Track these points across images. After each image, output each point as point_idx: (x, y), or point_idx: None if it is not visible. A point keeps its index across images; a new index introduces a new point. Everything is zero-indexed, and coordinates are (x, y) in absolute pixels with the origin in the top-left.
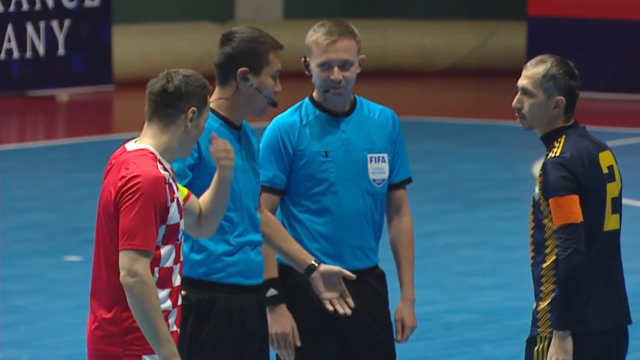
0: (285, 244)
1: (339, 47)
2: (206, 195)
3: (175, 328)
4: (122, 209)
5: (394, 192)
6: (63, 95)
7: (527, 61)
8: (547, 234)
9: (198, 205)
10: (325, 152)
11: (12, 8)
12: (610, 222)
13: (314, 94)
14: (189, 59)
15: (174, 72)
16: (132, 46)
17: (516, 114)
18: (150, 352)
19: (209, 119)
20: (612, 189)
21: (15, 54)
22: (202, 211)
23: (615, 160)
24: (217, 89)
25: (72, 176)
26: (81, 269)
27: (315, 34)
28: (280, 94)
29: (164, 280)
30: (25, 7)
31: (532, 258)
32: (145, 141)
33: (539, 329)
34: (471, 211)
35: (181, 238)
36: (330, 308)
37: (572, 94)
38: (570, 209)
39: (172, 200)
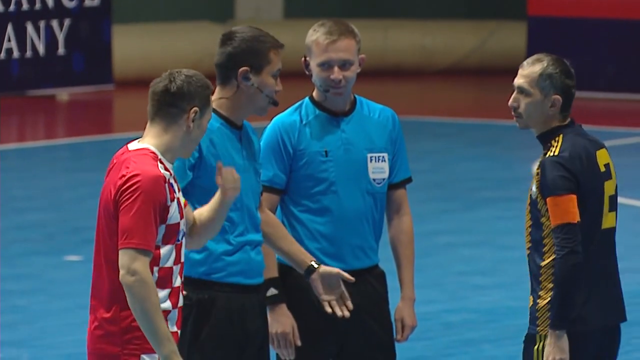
0: (285, 244)
1: (339, 47)
2: (203, 211)
3: (175, 329)
4: (121, 207)
5: (394, 191)
6: (63, 94)
7: None
8: (544, 232)
9: (192, 217)
10: (325, 151)
11: (12, 7)
12: (608, 220)
13: (314, 94)
14: (189, 58)
15: (177, 72)
16: (132, 46)
17: (512, 113)
18: (148, 351)
19: (210, 119)
20: (609, 187)
21: (15, 54)
22: (196, 224)
23: (610, 158)
24: (217, 89)
25: (72, 176)
26: (81, 268)
27: (315, 34)
28: (280, 93)
29: (163, 281)
30: (25, 6)
31: (529, 256)
32: (147, 141)
33: (538, 327)
34: (471, 211)
35: (182, 238)
36: (329, 310)
37: (569, 93)
38: (567, 209)
39: (172, 200)
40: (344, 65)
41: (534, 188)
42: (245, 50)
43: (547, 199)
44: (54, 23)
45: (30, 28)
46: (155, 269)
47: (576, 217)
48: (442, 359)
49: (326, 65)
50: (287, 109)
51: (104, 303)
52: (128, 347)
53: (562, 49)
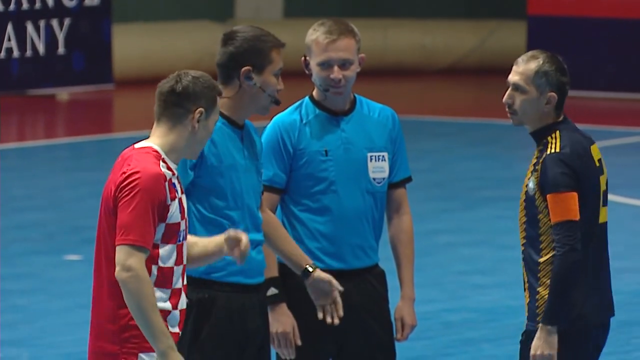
0: (284, 245)
1: (338, 46)
2: (196, 246)
3: (177, 330)
4: (120, 204)
5: (394, 191)
6: (63, 94)
7: None
8: (541, 229)
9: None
10: (325, 151)
11: (12, 7)
12: (602, 215)
13: (314, 93)
14: (189, 58)
15: (184, 72)
16: (132, 45)
17: (507, 110)
18: (147, 350)
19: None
20: (602, 182)
21: (15, 53)
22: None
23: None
24: None
25: (72, 175)
26: (81, 268)
27: (315, 33)
28: (280, 93)
29: (164, 280)
30: (25, 6)
31: (524, 252)
32: (152, 140)
33: (537, 325)
34: (471, 210)
35: (183, 239)
36: (320, 316)
37: (563, 90)
38: (569, 206)
39: (173, 199)
40: (344, 64)
41: (530, 184)
42: (247, 49)
43: (548, 196)
44: (54, 22)
45: (30, 27)
46: (155, 267)
47: (577, 215)
48: (442, 359)
49: (326, 65)
50: (287, 108)
51: (104, 301)
52: (127, 346)
53: (562, 48)
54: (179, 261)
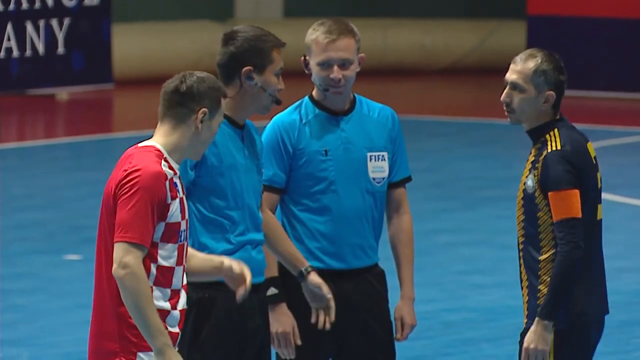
0: (281, 246)
1: (338, 46)
2: (194, 259)
3: (177, 330)
4: (119, 201)
5: (394, 190)
6: (63, 93)
7: None
8: (541, 227)
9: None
10: (325, 150)
11: (11, 7)
12: (598, 212)
13: (314, 93)
14: (188, 57)
15: (189, 73)
16: (132, 45)
17: (504, 108)
18: (146, 349)
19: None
20: (598, 179)
21: (15, 53)
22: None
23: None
24: None
25: (72, 175)
26: (81, 267)
27: (315, 33)
28: (280, 92)
29: (163, 280)
30: (24, 5)
31: (522, 250)
32: (155, 139)
33: None
34: (471, 210)
35: (184, 240)
36: (314, 319)
37: (561, 88)
38: (572, 204)
39: (174, 199)
40: (344, 64)
41: (529, 182)
42: (248, 49)
43: (550, 194)
44: (54, 22)
45: (29, 27)
46: (154, 266)
47: (579, 212)
48: (442, 358)
49: (326, 65)
50: (286, 108)
51: (104, 299)
52: (126, 345)
53: (562, 47)
54: (179, 261)
